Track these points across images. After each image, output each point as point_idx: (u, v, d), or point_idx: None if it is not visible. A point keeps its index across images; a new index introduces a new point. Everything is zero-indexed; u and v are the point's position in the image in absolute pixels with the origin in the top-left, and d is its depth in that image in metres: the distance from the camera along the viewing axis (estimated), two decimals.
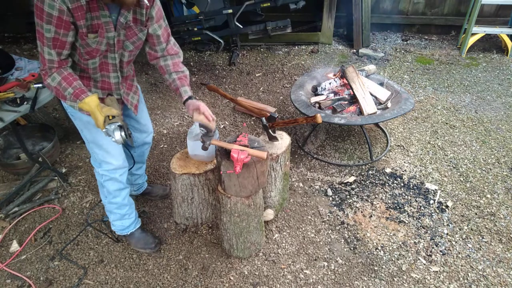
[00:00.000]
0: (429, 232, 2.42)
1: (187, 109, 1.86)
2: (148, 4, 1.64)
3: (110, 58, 1.74)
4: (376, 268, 2.21)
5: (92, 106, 1.61)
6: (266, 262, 2.26)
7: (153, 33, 1.78)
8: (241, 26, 4.55)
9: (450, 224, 2.47)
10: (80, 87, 1.62)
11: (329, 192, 2.74)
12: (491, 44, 5.01)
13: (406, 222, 2.49)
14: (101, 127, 1.66)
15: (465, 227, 2.45)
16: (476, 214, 2.55)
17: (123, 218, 2.23)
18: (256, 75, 4.44)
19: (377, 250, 2.31)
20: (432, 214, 2.54)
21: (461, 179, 2.84)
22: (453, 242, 2.36)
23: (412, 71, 4.41)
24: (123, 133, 1.68)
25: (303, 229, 2.47)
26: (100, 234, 2.44)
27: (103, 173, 2.02)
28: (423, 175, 2.88)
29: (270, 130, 2.27)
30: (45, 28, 1.45)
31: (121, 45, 1.71)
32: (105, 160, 1.98)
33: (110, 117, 1.66)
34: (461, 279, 2.15)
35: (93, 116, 1.65)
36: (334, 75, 3.25)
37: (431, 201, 2.64)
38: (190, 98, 1.86)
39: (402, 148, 3.18)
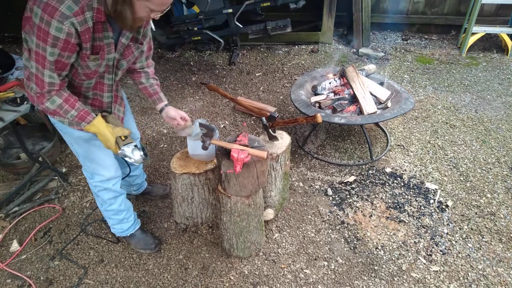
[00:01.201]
0: (429, 231, 2.42)
1: (165, 116, 1.93)
2: (152, 26, 1.63)
3: (106, 79, 1.70)
4: (376, 267, 2.21)
5: (101, 128, 1.58)
6: (266, 261, 2.27)
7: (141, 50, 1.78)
8: (241, 26, 4.55)
9: (450, 224, 2.47)
10: (83, 108, 1.59)
11: (329, 192, 2.74)
12: (491, 44, 5.01)
13: (406, 221, 2.49)
14: (114, 149, 1.62)
15: (465, 227, 2.45)
16: (476, 213, 2.55)
17: (122, 222, 2.24)
18: (256, 74, 4.44)
19: (377, 250, 2.31)
20: (432, 214, 2.54)
21: (461, 178, 2.84)
22: (453, 242, 2.36)
23: (412, 71, 4.41)
24: (142, 152, 1.66)
25: (303, 228, 2.47)
26: (99, 234, 2.45)
27: (96, 184, 2.01)
28: (423, 175, 2.88)
29: (270, 130, 2.27)
30: (49, 51, 1.35)
31: (117, 64, 1.67)
32: (97, 172, 1.96)
33: (123, 138, 1.63)
34: (461, 278, 2.15)
35: (103, 137, 1.61)
36: (334, 74, 3.25)
37: (431, 201, 2.64)
38: (166, 105, 1.93)
39: (402, 147, 3.18)
